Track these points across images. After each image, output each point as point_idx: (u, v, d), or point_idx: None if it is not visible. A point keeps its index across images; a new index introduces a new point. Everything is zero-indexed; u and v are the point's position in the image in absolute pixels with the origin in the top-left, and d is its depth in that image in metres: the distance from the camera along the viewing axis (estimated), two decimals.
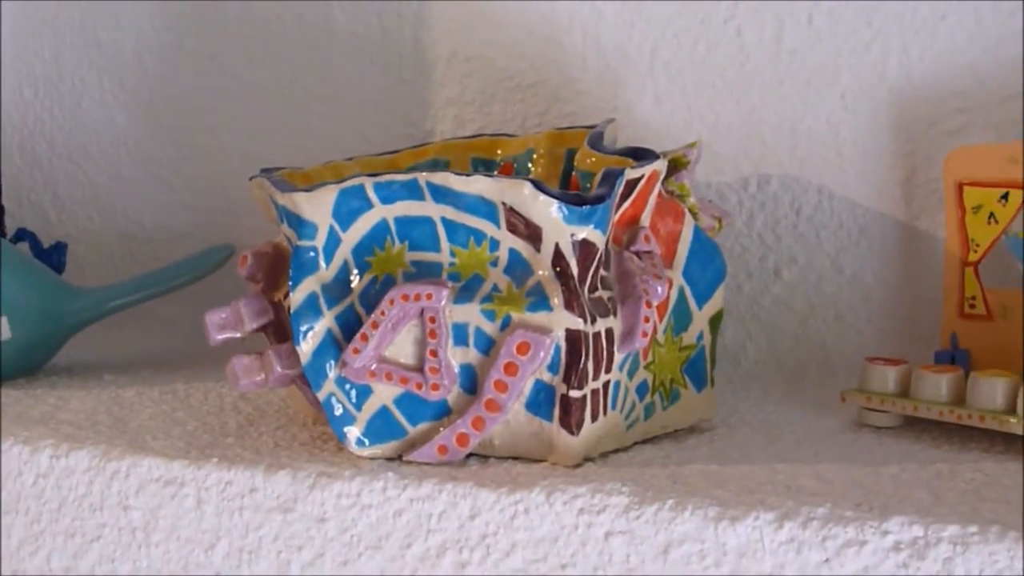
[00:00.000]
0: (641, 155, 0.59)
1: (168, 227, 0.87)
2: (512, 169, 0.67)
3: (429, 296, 0.55)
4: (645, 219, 0.59)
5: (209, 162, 0.85)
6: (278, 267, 0.61)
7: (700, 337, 0.61)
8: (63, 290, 0.74)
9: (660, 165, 0.58)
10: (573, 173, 0.64)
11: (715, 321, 0.62)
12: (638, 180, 0.57)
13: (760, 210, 0.72)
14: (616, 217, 0.56)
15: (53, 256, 0.85)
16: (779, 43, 0.71)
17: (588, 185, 0.61)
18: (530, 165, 0.67)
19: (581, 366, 0.54)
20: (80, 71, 0.89)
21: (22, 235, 0.86)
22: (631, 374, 0.57)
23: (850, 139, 0.70)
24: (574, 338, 0.54)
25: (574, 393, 0.54)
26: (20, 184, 0.90)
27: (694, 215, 0.61)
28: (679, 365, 0.60)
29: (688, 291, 0.60)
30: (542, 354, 0.54)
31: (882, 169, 0.70)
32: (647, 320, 0.56)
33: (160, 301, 0.79)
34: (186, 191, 0.86)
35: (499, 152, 0.68)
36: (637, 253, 0.58)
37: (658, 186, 0.59)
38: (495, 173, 0.61)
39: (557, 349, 0.54)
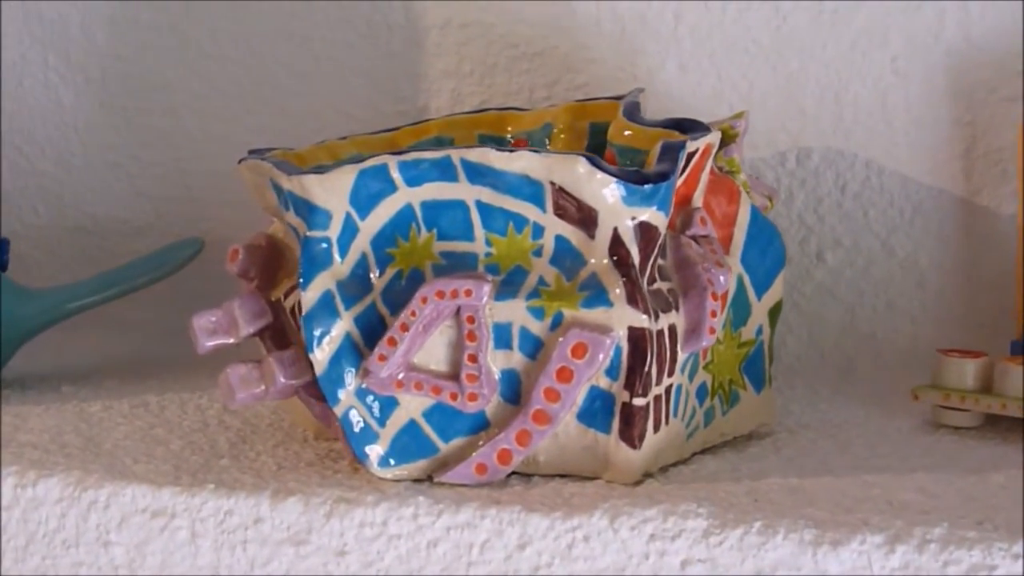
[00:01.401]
0: (687, 127, 0.54)
1: (125, 220, 0.82)
2: (526, 146, 0.62)
3: (468, 292, 0.49)
4: (698, 199, 0.53)
5: (169, 147, 0.81)
6: (274, 262, 0.55)
7: (759, 331, 0.56)
8: (11, 292, 0.68)
9: (714, 138, 0.53)
10: (607, 148, 0.58)
11: (775, 313, 0.57)
12: (692, 155, 0.52)
13: (800, 188, 0.69)
14: None
15: None
16: (820, 4, 0.68)
17: (628, 161, 0.56)
18: (548, 141, 0.62)
19: (646, 370, 0.48)
20: (21, 47, 0.84)
21: None
22: (691, 376, 0.52)
23: (902, 107, 0.67)
24: (638, 337, 0.48)
25: (638, 401, 0.49)
26: None
27: (747, 193, 0.56)
28: (738, 364, 0.55)
29: (747, 280, 0.55)
30: (601, 356, 0.48)
31: (938, 140, 0.67)
32: (714, 314, 0.50)
33: (121, 302, 0.74)
34: (144, 179, 0.82)
35: (509, 128, 0.63)
36: (694, 238, 0.52)
37: (711, 162, 0.54)
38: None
39: (618, 351, 0.48)
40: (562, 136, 0.62)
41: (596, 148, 0.60)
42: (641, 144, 0.55)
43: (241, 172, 0.56)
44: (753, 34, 0.69)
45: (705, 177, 0.53)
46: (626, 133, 0.57)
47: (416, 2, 0.75)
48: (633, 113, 0.57)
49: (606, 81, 0.70)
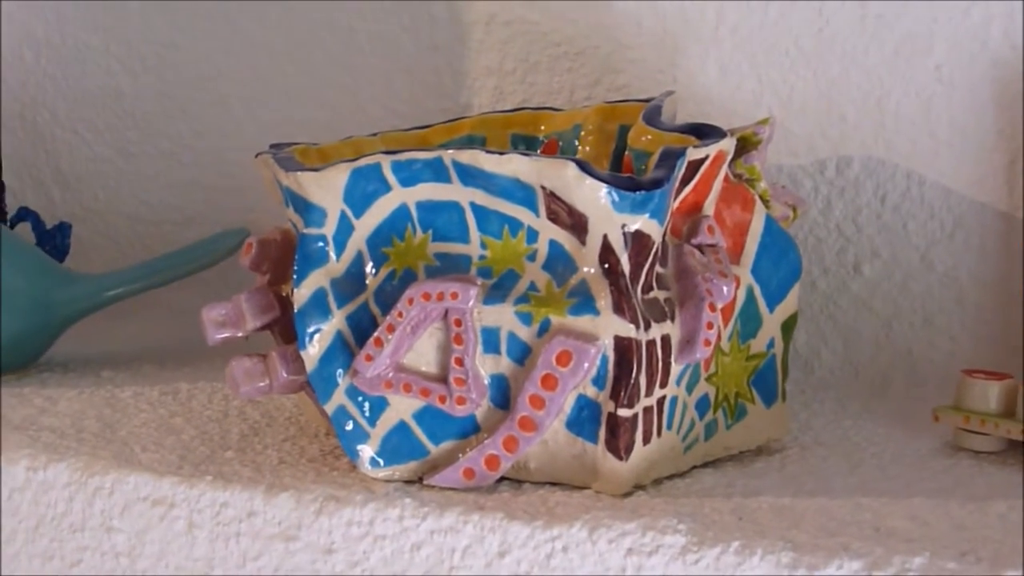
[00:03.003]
0: (705, 133, 0.53)
1: (178, 207, 0.83)
2: (557, 147, 0.61)
3: (455, 295, 0.48)
4: (709, 207, 0.52)
5: (222, 136, 0.81)
6: (287, 257, 0.55)
7: (771, 344, 0.54)
8: (58, 276, 0.70)
9: (727, 144, 0.52)
10: (626, 153, 0.57)
11: (788, 326, 0.55)
12: (701, 161, 0.50)
13: (839, 197, 0.67)
14: (675, 205, 0.50)
15: (56, 237, 0.82)
16: (863, 6, 0.66)
17: (643, 167, 0.55)
18: (577, 143, 0.61)
19: (632, 380, 0.47)
20: (84, 34, 0.85)
21: (24, 215, 0.82)
22: (690, 388, 0.51)
23: (945, 117, 0.65)
24: (624, 347, 0.47)
25: (623, 412, 0.48)
26: (21, 158, 0.87)
27: (765, 203, 0.55)
28: (746, 377, 0.54)
29: (758, 291, 0.54)
30: (586, 365, 0.47)
31: (982, 152, 0.64)
32: (711, 326, 0.49)
33: (167, 289, 0.75)
34: (197, 168, 0.83)
35: (542, 128, 0.62)
36: (699, 247, 0.51)
37: (724, 169, 0.52)
38: (537, 152, 0.54)
39: (604, 360, 0.48)
40: (591, 138, 0.61)
41: (624, 152, 0.59)
42: (657, 149, 0.54)
43: (258, 166, 0.56)
44: (794, 37, 0.67)
45: (718, 185, 0.52)
46: (645, 138, 0.56)
47: None
48: (653, 117, 0.56)
49: (646, 82, 0.69)
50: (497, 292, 0.49)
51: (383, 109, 0.76)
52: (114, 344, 0.76)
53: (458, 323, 0.48)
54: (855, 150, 0.66)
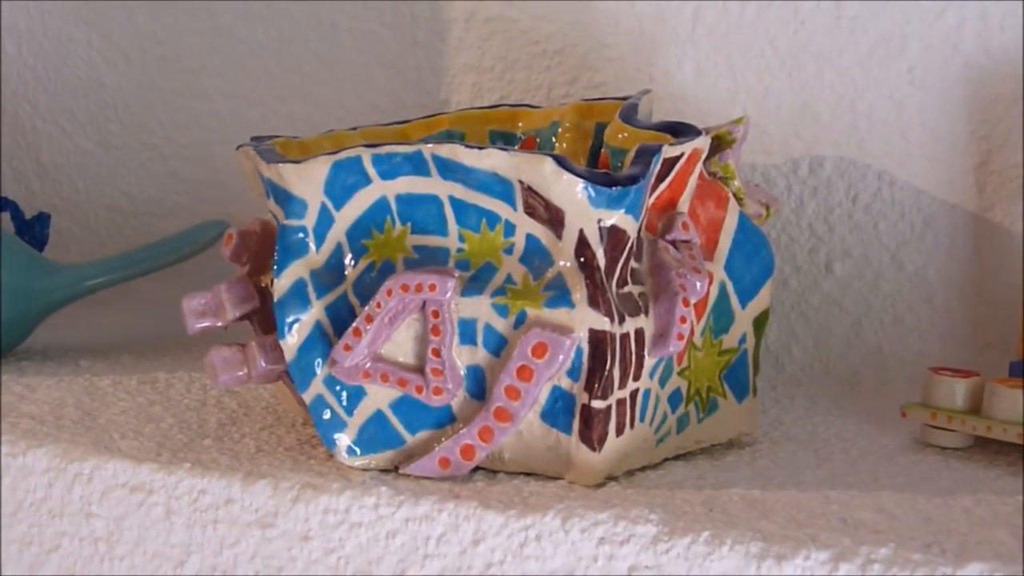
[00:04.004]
0: (681, 131, 0.53)
1: (158, 199, 0.83)
2: (535, 144, 0.62)
3: (432, 287, 0.49)
4: (683, 204, 0.53)
5: (203, 130, 0.81)
6: (267, 248, 0.55)
7: (743, 340, 0.55)
8: (37, 265, 0.70)
9: (702, 142, 0.52)
10: (602, 149, 0.57)
11: (760, 322, 0.56)
12: (677, 159, 0.51)
13: (812, 196, 0.67)
14: (651, 201, 0.50)
15: (35, 228, 0.82)
16: (839, 7, 0.66)
17: (619, 163, 0.55)
18: (554, 140, 0.62)
19: (606, 373, 0.48)
20: (66, 26, 0.85)
21: (3, 204, 0.82)
22: (663, 381, 0.51)
23: (917, 118, 0.65)
24: (599, 340, 0.48)
25: (597, 404, 0.48)
26: (1, 149, 0.87)
27: (739, 200, 0.55)
28: (718, 371, 0.54)
29: (730, 287, 0.54)
30: (560, 357, 0.48)
31: (952, 153, 0.65)
32: (684, 320, 0.49)
33: (147, 280, 0.75)
34: (178, 160, 0.83)
35: (520, 125, 0.62)
36: (673, 243, 0.52)
37: (699, 167, 0.53)
38: (515, 148, 0.55)
39: (579, 352, 0.48)
40: (568, 135, 0.61)
41: (601, 148, 0.60)
42: (633, 146, 0.54)
43: (239, 159, 0.56)
44: (770, 38, 0.68)
45: (692, 182, 0.53)
46: (621, 135, 0.56)
47: None
48: (629, 115, 0.56)
49: (624, 81, 0.69)
50: (474, 284, 0.49)
51: (364, 104, 0.76)
52: (93, 334, 0.76)
53: (435, 314, 0.49)
54: (828, 150, 0.67)
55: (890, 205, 0.66)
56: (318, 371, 0.51)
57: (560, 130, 0.61)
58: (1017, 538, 0.45)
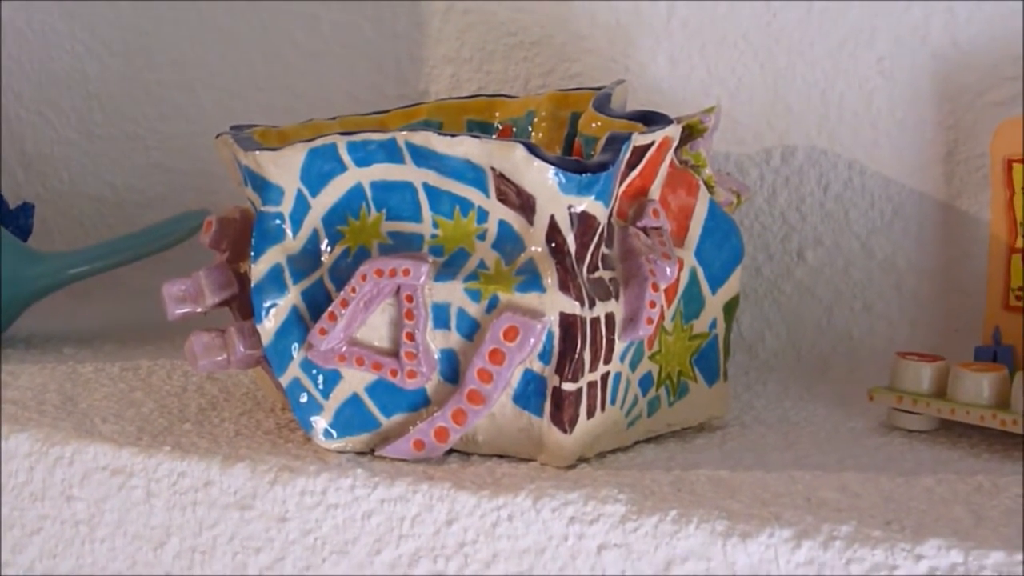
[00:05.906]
0: (652, 119, 0.54)
1: (141, 190, 0.83)
2: (511, 133, 0.63)
3: (406, 272, 0.50)
4: (654, 191, 0.54)
5: (186, 120, 0.82)
6: (246, 235, 0.56)
7: (713, 325, 0.56)
8: (21, 254, 0.70)
9: (673, 131, 0.53)
10: (576, 139, 0.58)
11: (730, 307, 0.57)
12: (647, 147, 0.52)
13: (784, 185, 0.68)
14: (622, 188, 0.51)
15: (19, 217, 0.81)
16: (810, 1, 0.67)
17: (591, 152, 0.56)
18: (531, 129, 0.62)
19: (576, 356, 0.49)
20: (50, 18, 0.85)
21: None
22: (634, 365, 0.52)
23: (886, 109, 0.66)
24: (569, 324, 0.49)
25: (567, 386, 0.49)
26: None
27: (710, 188, 0.56)
28: (688, 356, 0.55)
29: (701, 273, 0.55)
30: (532, 341, 0.49)
31: (921, 143, 0.66)
32: (653, 305, 0.50)
33: (129, 269, 0.75)
34: (161, 151, 0.83)
35: (497, 114, 0.63)
36: (644, 229, 0.53)
37: (670, 155, 0.54)
38: (492, 136, 0.56)
39: (549, 336, 0.49)
40: (544, 124, 0.62)
41: (575, 137, 0.61)
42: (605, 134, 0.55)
43: (217, 147, 0.57)
44: (742, 30, 0.68)
45: (663, 170, 0.54)
46: (594, 124, 0.57)
47: None
48: (603, 105, 0.57)
49: (600, 72, 0.70)
50: (448, 270, 0.50)
51: (345, 95, 0.77)
52: (76, 322, 0.77)
53: (409, 299, 0.50)
54: (799, 140, 0.67)
55: (860, 194, 0.66)
56: (295, 355, 0.51)
57: (536, 120, 0.62)
58: (973, 515, 0.46)
